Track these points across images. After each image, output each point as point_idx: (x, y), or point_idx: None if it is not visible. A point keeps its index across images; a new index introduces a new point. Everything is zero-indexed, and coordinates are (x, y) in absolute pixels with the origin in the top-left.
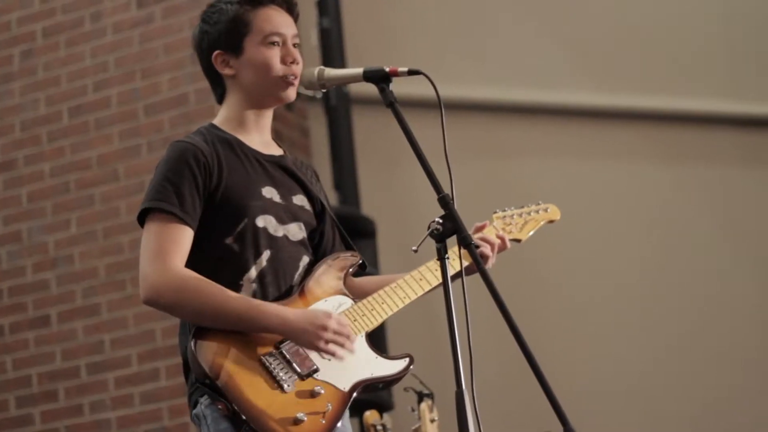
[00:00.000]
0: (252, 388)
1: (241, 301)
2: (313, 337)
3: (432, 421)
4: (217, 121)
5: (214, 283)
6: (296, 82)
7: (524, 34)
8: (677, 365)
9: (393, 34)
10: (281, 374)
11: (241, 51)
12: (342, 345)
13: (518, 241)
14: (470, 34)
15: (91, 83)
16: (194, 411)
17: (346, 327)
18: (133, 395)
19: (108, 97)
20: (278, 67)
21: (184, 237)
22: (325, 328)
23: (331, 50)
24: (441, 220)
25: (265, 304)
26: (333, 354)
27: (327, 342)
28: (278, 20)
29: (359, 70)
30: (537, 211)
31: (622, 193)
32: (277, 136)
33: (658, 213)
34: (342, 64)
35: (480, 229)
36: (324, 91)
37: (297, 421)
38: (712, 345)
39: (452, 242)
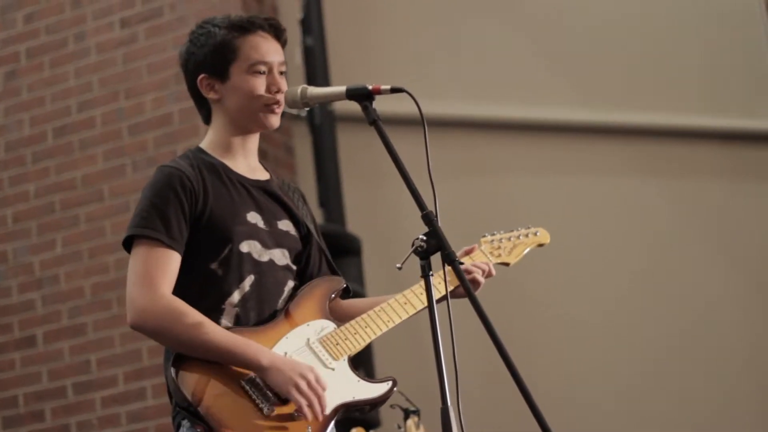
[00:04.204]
0: (231, 412)
1: (224, 337)
2: (290, 384)
3: None
4: (203, 145)
5: (200, 314)
6: (280, 110)
7: (508, 51)
8: (666, 379)
9: (377, 52)
10: (261, 398)
11: (227, 77)
12: (311, 402)
13: (507, 264)
14: (453, 51)
15: (75, 104)
16: None
17: (321, 387)
18: (119, 415)
19: (92, 117)
20: (263, 96)
21: (171, 262)
22: (303, 377)
23: (315, 68)
24: (425, 238)
25: (248, 344)
26: (299, 408)
27: (300, 393)
28: (265, 48)
29: (342, 89)
30: (526, 235)
31: (607, 208)
32: (262, 155)
33: (643, 228)
34: (326, 83)
35: (468, 252)
36: (308, 109)
37: None
38: (701, 357)
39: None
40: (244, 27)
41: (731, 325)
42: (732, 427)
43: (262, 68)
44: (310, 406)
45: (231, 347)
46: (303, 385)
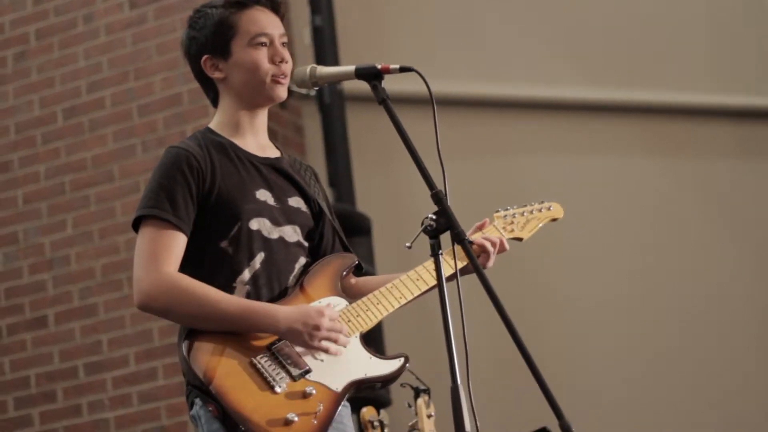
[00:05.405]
0: (242, 390)
1: (233, 302)
2: (307, 337)
3: (429, 416)
4: (212, 125)
5: (206, 285)
6: (286, 81)
7: (516, 30)
8: (674, 360)
9: (386, 31)
10: (273, 375)
11: (229, 54)
12: (335, 340)
13: (520, 239)
14: (462, 30)
15: (84, 84)
16: (191, 412)
17: (338, 321)
18: (131, 395)
19: (102, 98)
20: (267, 67)
21: (177, 243)
22: (317, 328)
23: (324, 48)
24: (434, 217)
25: (257, 305)
26: (326, 351)
27: (320, 340)
28: (264, 21)
29: (351, 68)
30: (540, 210)
31: (616, 186)
32: (272, 135)
33: (652, 206)
34: (335, 62)
35: (480, 227)
36: (317, 89)
37: (288, 422)
38: (709, 338)
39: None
40: (241, 3)
41: (741, 305)
42: (742, 411)
43: (263, 40)
44: (338, 343)
45: (241, 314)
46: (319, 333)
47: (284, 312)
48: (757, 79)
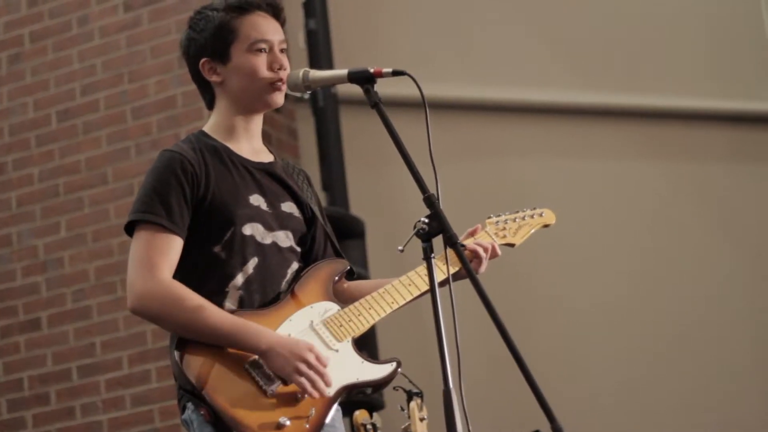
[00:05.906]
0: (234, 393)
1: (225, 321)
2: (290, 368)
3: (421, 419)
4: (206, 128)
5: (199, 297)
6: (284, 88)
7: (511, 34)
8: (671, 364)
9: (380, 34)
10: (264, 379)
11: (228, 58)
12: (314, 382)
13: (512, 245)
14: (457, 34)
15: (78, 87)
16: (183, 416)
17: (323, 365)
18: (124, 398)
19: (96, 100)
20: (265, 74)
21: (172, 247)
22: (302, 360)
23: (318, 51)
24: (427, 220)
25: (248, 325)
26: (303, 390)
27: (301, 375)
28: (264, 27)
29: (344, 72)
30: (531, 216)
31: (613, 190)
32: (265, 138)
33: (647, 211)
34: (329, 66)
35: (472, 233)
36: (310, 92)
37: (279, 426)
38: (706, 341)
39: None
40: (242, 7)
41: (738, 308)
42: (740, 414)
43: (263, 46)
44: (314, 386)
45: (231, 331)
46: (303, 367)
47: (272, 335)
48: (755, 83)
